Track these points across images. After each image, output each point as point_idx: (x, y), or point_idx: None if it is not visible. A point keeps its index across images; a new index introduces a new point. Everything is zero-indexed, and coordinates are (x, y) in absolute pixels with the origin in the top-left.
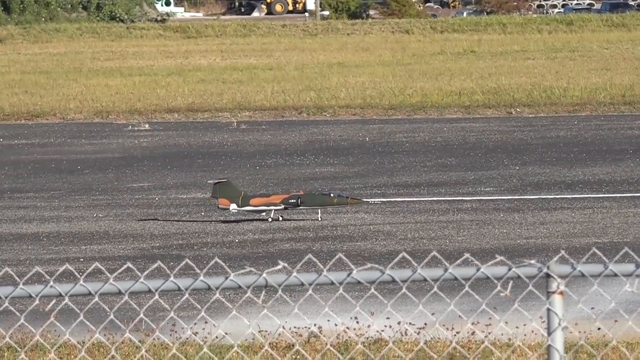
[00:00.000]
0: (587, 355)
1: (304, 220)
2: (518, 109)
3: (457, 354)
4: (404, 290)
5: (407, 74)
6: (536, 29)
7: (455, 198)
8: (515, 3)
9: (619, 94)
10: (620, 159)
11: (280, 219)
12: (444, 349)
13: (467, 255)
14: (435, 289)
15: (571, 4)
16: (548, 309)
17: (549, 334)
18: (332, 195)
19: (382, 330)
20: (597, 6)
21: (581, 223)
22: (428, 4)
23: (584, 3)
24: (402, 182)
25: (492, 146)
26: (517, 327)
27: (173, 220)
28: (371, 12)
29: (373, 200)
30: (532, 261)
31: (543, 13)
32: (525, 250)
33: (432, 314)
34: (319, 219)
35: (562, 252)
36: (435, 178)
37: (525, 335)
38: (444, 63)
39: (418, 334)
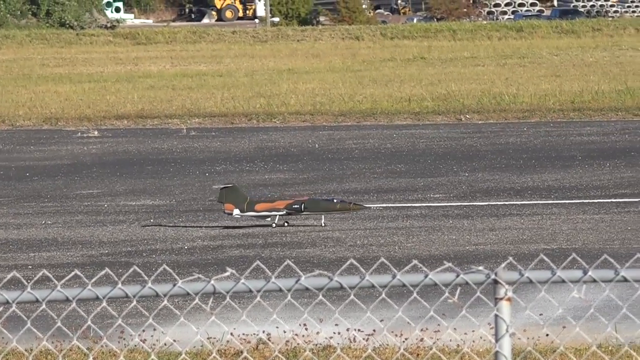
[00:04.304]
0: None
1: (303, 226)
2: (467, 116)
3: None
4: (352, 296)
5: (357, 81)
6: (486, 36)
7: (404, 205)
8: (465, 10)
9: (568, 101)
10: (569, 166)
11: (286, 224)
12: (392, 355)
13: (415, 261)
14: (383, 295)
15: (521, 10)
16: (496, 316)
17: (497, 340)
18: (335, 200)
19: (331, 337)
20: (547, 13)
21: (530, 229)
22: (378, 11)
23: (533, 10)
24: (351, 188)
25: (441, 153)
26: (465, 334)
27: (178, 226)
28: (321, 18)
29: (375, 205)
30: (480, 267)
31: (493, 20)
32: (474, 257)
33: (381, 321)
34: (322, 224)
35: (510, 258)
36: (385, 184)
37: (473, 341)
38: (394, 69)
39: (366, 340)
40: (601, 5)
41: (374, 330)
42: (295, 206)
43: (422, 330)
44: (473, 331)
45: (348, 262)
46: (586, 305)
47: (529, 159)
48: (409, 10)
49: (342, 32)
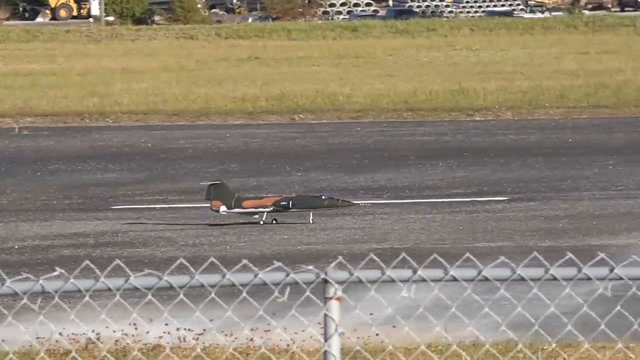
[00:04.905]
0: None
1: (290, 223)
2: (301, 115)
3: None
4: (182, 296)
5: (191, 80)
6: (321, 36)
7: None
8: (300, 9)
9: (402, 101)
10: (402, 166)
11: (274, 222)
12: (222, 355)
13: (245, 261)
14: (213, 294)
15: (356, 10)
16: (325, 315)
17: (326, 339)
18: (323, 197)
19: (161, 337)
20: (382, 13)
21: (362, 229)
22: (213, 10)
23: (369, 10)
24: (184, 188)
25: (274, 152)
26: (295, 333)
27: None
28: (156, 17)
29: (363, 202)
30: (310, 267)
31: (328, 19)
32: (305, 256)
33: (211, 320)
34: (310, 221)
35: (340, 258)
36: None
37: (303, 341)
38: (228, 69)
39: (196, 340)
40: (436, 6)
41: (204, 330)
42: (283, 203)
43: (252, 329)
44: (303, 330)
45: (178, 262)
46: (415, 305)
47: (362, 158)
48: (244, 10)
49: (176, 31)
